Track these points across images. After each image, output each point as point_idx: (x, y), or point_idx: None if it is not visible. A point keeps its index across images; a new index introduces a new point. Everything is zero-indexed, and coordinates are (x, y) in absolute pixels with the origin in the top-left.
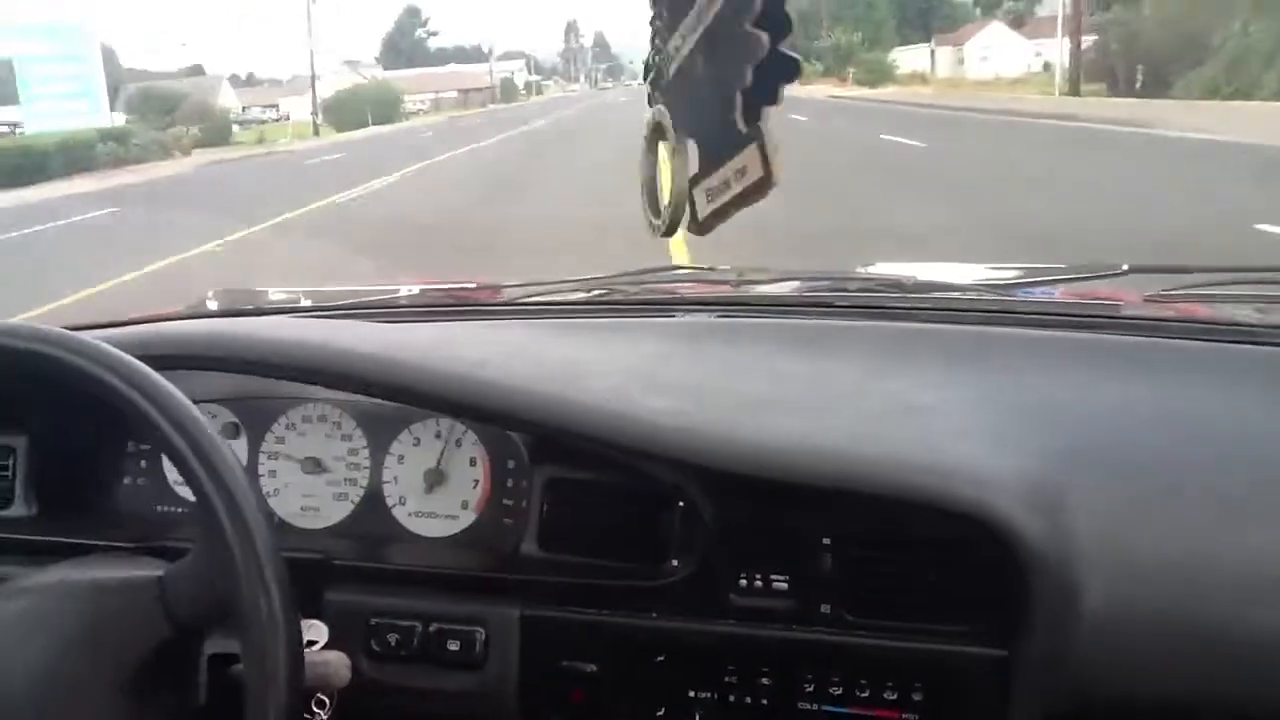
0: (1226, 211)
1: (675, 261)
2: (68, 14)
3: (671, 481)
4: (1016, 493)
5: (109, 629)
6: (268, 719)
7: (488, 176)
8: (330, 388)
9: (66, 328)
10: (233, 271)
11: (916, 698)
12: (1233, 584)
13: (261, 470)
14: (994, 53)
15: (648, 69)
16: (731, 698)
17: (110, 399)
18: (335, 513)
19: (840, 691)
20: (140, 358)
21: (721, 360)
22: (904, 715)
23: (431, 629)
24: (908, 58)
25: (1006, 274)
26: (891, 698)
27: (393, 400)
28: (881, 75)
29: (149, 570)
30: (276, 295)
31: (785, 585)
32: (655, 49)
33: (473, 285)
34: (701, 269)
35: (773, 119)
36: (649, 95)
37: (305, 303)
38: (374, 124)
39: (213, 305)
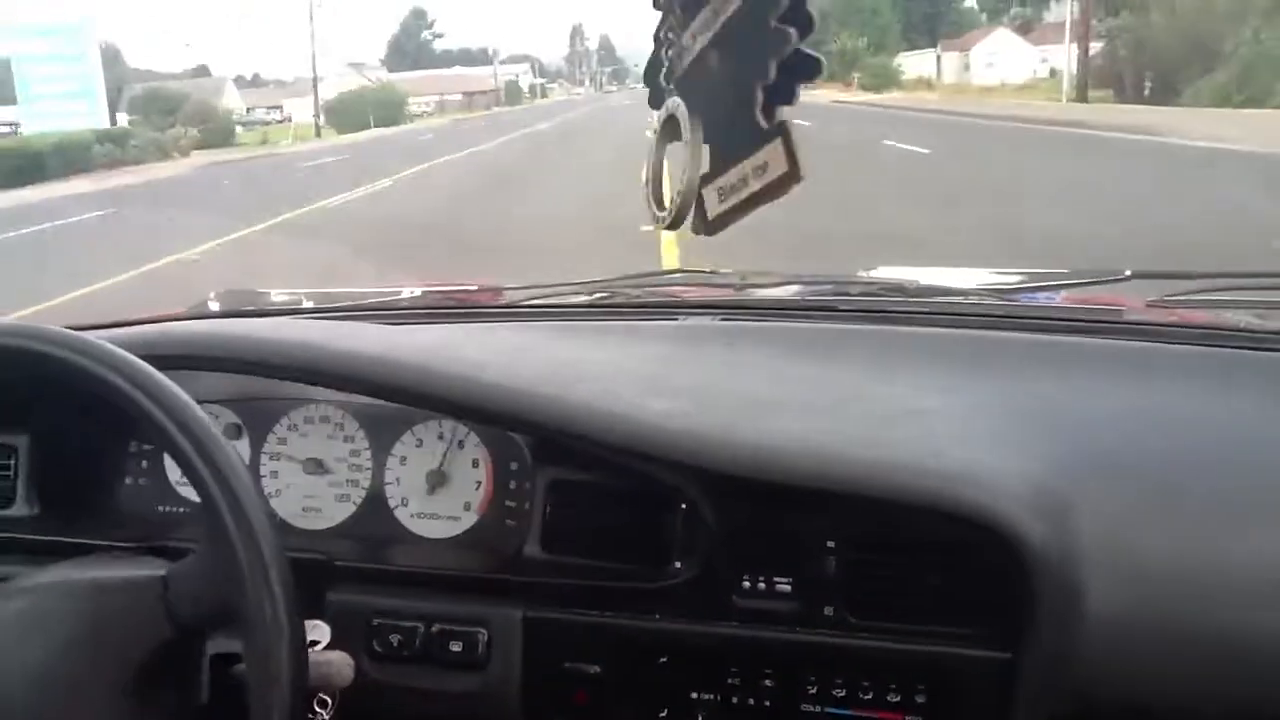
0: (1244, 224)
1: (666, 266)
2: (68, 14)
3: (674, 484)
4: (1019, 496)
5: (110, 629)
6: (271, 719)
7: (483, 180)
8: (333, 389)
9: (70, 328)
10: (203, 286)
11: (920, 700)
12: (1235, 587)
13: (263, 471)
14: (1000, 59)
15: (649, 68)
16: (734, 700)
17: (114, 399)
18: (337, 513)
19: (843, 694)
20: (143, 358)
21: (724, 363)
22: (907, 718)
23: (434, 630)
24: (913, 63)
25: (1009, 278)
26: (895, 700)
27: (395, 401)
28: (886, 80)
29: (151, 570)
30: (278, 296)
31: (789, 587)
32: (668, 43)
33: (474, 287)
34: (703, 272)
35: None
36: (650, 95)
37: (307, 304)
38: (377, 126)
39: (215, 306)
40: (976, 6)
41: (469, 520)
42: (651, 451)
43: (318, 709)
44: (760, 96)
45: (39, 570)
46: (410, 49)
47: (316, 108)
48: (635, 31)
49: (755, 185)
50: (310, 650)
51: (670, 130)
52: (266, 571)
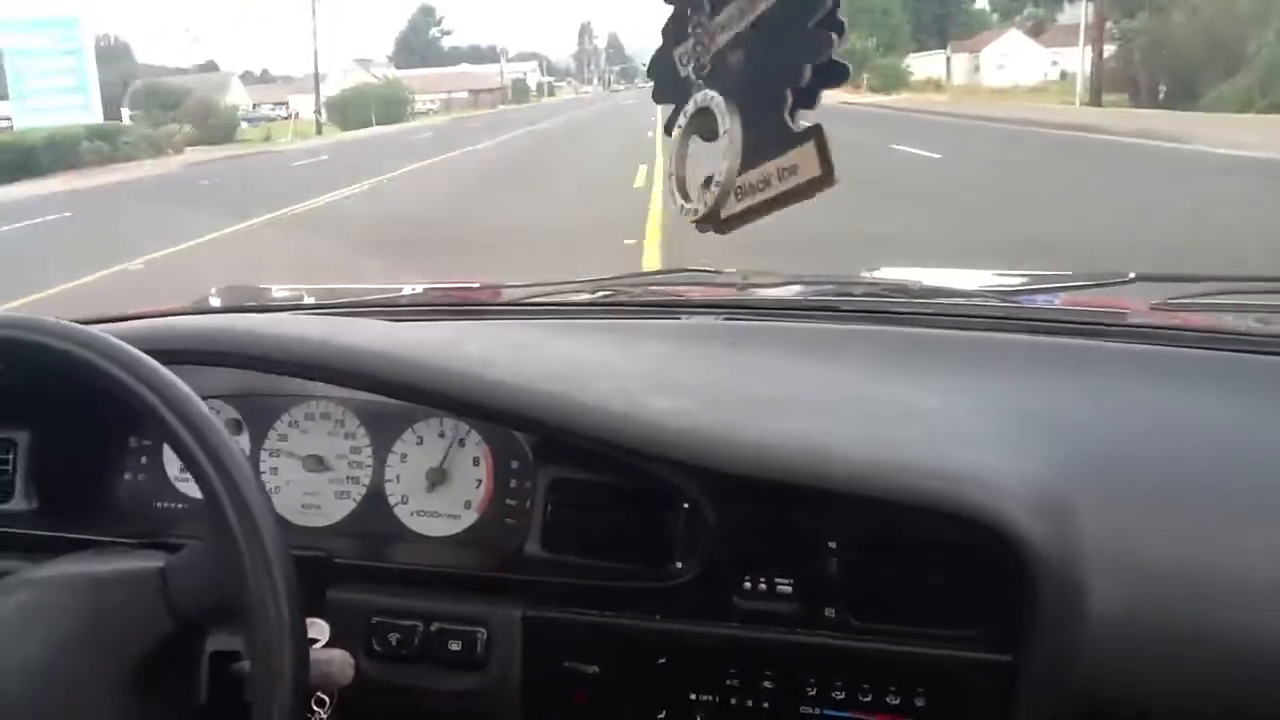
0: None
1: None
2: (64, 7)
3: (676, 483)
4: (1022, 497)
5: (109, 623)
6: (273, 718)
7: (469, 182)
8: (336, 385)
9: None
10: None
11: (919, 703)
12: (1236, 588)
13: (263, 467)
14: (1011, 61)
15: (657, 63)
16: (733, 701)
17: (118, 393)
18: (337, 511)
19: (843, 696)
20: (145, 352)
21: (726, 362)
22: None
23: (433, 628)
24: (923, 64)
25: (1013, 280)
26: (894, 702)
27: (399, 398)
28: (896, 82)
29: (149, 563)
30: (279, 292)
31: (790, 588)
32: (694, 38)
33: (476, 285)
34: (706, 271)
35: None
36: (655, 89)
37: (308, 300)
38: (379, 123)
39: (215, 302)
40: (989, 7)
41: (469, 518)
42: (654, 450)
43: (315, 708)
44: (790, 98)
45: (38, 565)
46: (418, 46)
47: (317, 104)
48: (643, 30)
49: (781, 187)
50: (311, 648)
51: (700, 123)
52: (270, 567)
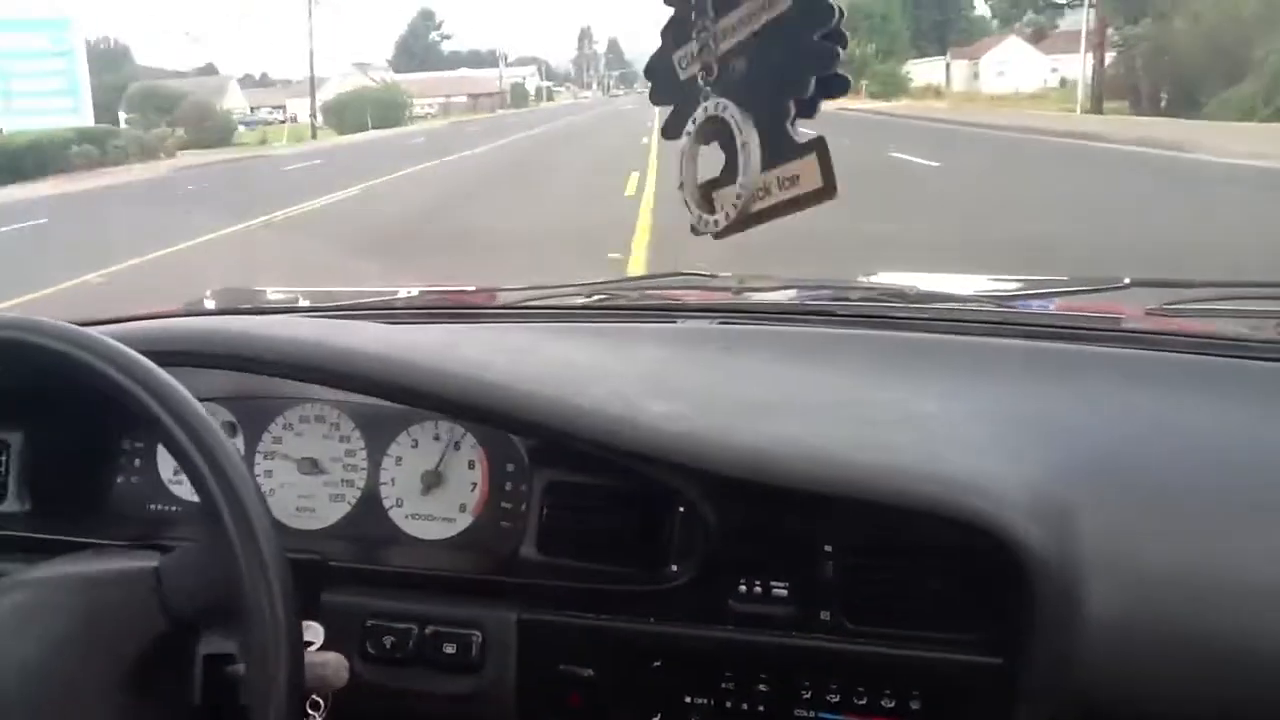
0: None
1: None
2: (54, 8)
3: (672, 486)
4: (1018, 501)
5: (104, 623)
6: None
7: (460, 188)
8: (333, 387)
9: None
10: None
11: (915, 706)
12: (1233, 591)
13: (258, 470)
14: (1010, 67)
15: (655, 68)
16: (728, 704)
17: (115, 395)
18: (331, 514)
19: (838, 699)
20: (141, 354)
21: (722, 366)
22: None
23: (428, 631)
24: (922, 71)
25: (1008, 285)
26: (890, 706)
27: (396, 401)
28: (895, 88)
29: (144, 562)
30: (275, 295)
31: (785, 592)
32: (701, 43)
33: (471, 288)
34: (702, 275)
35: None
36: (652, 91)
37: (303, 303)
38: (375, 127)
39: (210, 304)
40: (989, 13)
41: (464, 522)
42: (651, 453)
43: (310, 711)
44: (793, 109)
45: (32, 566)
46: (418, 50)
47: (313, 108)
48: (643, 35)
49: (781, 196)
50: (306, 651)
51: (710, 131)
52: (265, 570)
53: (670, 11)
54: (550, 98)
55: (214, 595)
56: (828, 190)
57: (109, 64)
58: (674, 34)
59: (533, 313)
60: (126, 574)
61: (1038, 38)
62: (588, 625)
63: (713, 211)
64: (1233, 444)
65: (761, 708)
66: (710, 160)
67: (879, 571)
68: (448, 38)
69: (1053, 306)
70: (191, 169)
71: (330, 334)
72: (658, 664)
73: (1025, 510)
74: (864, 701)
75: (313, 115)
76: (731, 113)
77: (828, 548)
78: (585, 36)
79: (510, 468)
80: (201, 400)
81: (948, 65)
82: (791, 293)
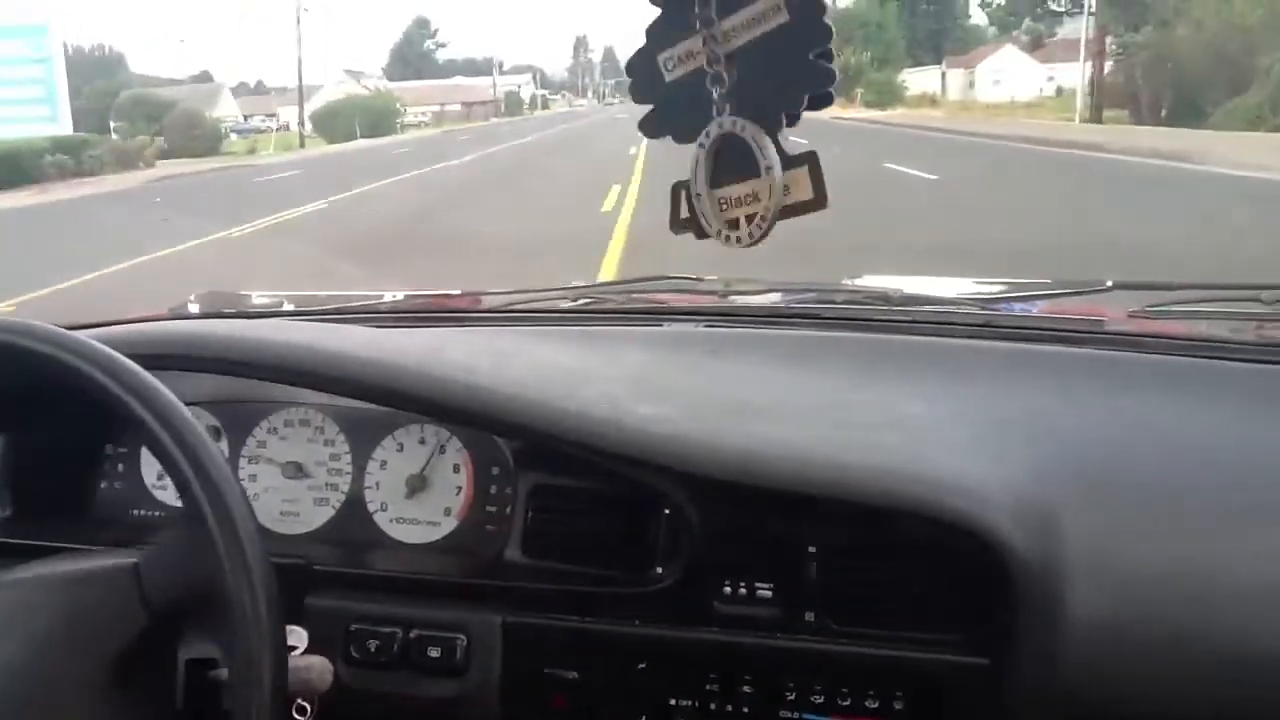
0: None
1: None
2: (32, 14)
3: (658, 488)
4: (1002, 503)
5: (85, 621)
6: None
7: (433, 201)
8: (324, 391)
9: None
10: None
11: (898, 706)
12: (1216, 592)
13: (242, 474)
14: (1006, 76)
15: (638, 66)
16: (713, 705)
17: (101, 398)
18: (316, 518)
19: (822, 700)
20: (129, 357)
21: (708, 369)
22: None
23: (412, 635)
24: (917, 79)
25: (992, 288)
26: (873, 706)
27: (384, 404)
28: (891, 97)
29: (124, 559)
30: (260, 299)
31: (770, 593)
32: (711, 54)
33: (457, 292)
34: (688, 279)
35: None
36: (632, 87)
37: (288, 307)
38: (366, 136)
39: (195, 308)
40: (986, 21)
41: (449, 525)
42: (638, 456)
43: (296, 715)
44: (785, 123)
45: (13, 568)
46: (413, 58)
47: (301, 116)
48: (639, 43)
49: (763, 204)
50: (290, 655)
51: (723, 146)
52: (250, 574)
53: (656, 11)
54: (545, 106)
55: (193, 588)
56: (819, 200)
57: (103, 71)
58: (660, 34)
59: (518, 316)
60: (106, 571)
61: (1035, 46)
62: (572, 628)
63: (730, 226)
64: (1214, 445)
65: (746, 709)
66: (678, 162)
67: (863, 572)
68: (443, 46)
69: (1036, 309)
70: (166, 180)
71: (320, 338)
72: (643, 666)
73: (1009, 511)
74: (848, 702)
75: (300, 123)
76: (751, 133)
77: (812, 549)
78: (581, 45)
79: (495, 471)
80: (186, 404)
81: (943, 74)
82: (777, 296)
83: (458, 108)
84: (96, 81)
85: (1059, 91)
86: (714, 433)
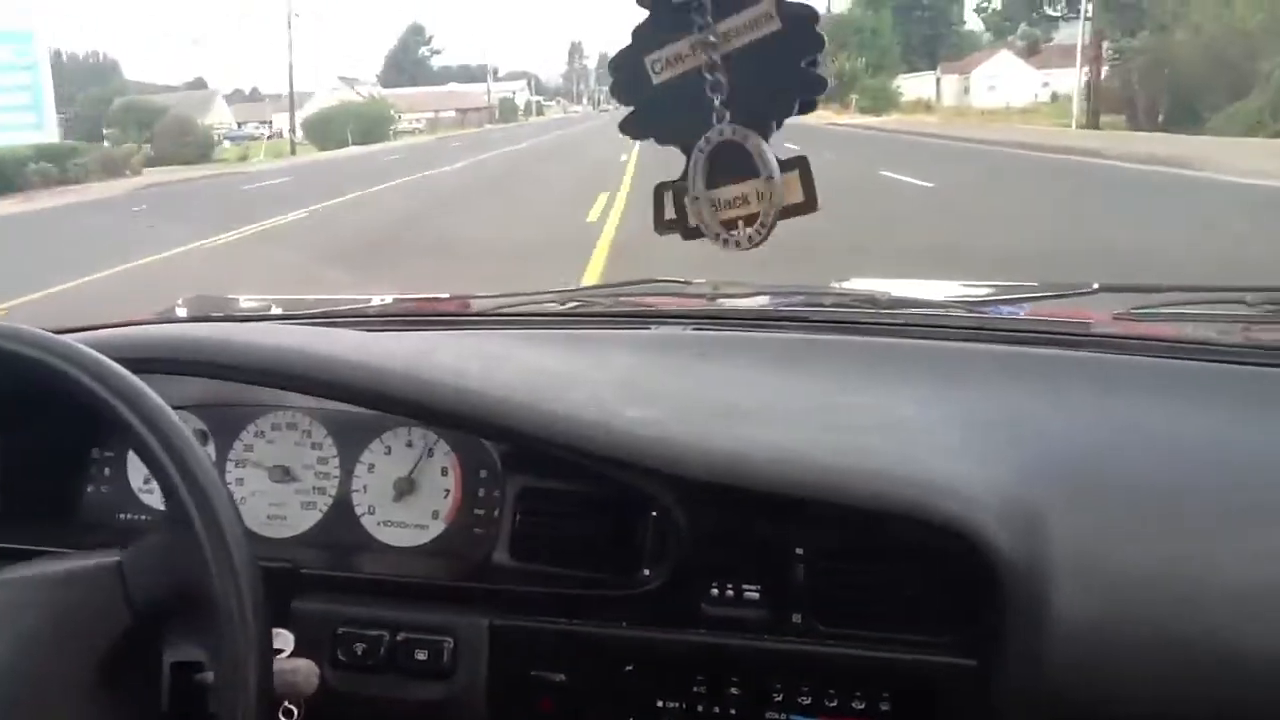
0: None
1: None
2: (18, 20)
3: (646, 491)
4: (989, 505)
5: (70, 620)
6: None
7: (414, 210)
8: (314, 395)
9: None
10: None
11: (885, 707)
12: (1202, 595)
13: (229, 478)
14: (1001, 82)
15: (622, 65)
16: (700, 708)
17: (88, 401)
18: (303, 521)
19: (809, 701)
20: (116, 361)
21: (696, 372)
22: None
23: (399, 638)
24: (912, 85)
25: (979, 291)
26: (860, 707)
27: (373, 408)
28: (885, 102)
29: (108, 558)
30: (247, 303)
31: (757, 595)
32: (709, 61)
33: (445, 295)
34: (676, 282)
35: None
36: (613, 86)
37: (276, 311)
38: (359, 142)
39: (182, 312)
40: (981, 26)
41: (437, 528)
42: (626, 459)
43: (283, 718)
44: (775, 128)
45: None
46: (407, 65)
47: (292, 123)
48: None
49: (757, 206)
50: (276, 657)
51: (727, 158)
52: (236, 577)
53: (645, 14)
54: (540, 112)
55: (177, 588)
56: (809, 203)
57: (97, 78)
58: (648, 36)
59: (507, 320)
60: (90, 570)
61: (1031, 51)
62: (560, 630)
63: (727, 227)
64: (1200, 447)
65: (733, 711)
66: (662, 163)
67: (850, 574)
68: (437, 53)
69: (1023, 312)
70: (152, 188)
71: (310, 341)
72: (630, 668)
73: (997, 513)
74: (835, 703)
75: (292, 130)
76: (753, 143)
77: (799, 551)
78: (576, 51)
79: (483, 474)
80: (172, 408)
81: (938, 80)
82: (765, 299)
83: (452, 114)
84: (91, 88)
85: (1054, 97)
86: (702, 435)
